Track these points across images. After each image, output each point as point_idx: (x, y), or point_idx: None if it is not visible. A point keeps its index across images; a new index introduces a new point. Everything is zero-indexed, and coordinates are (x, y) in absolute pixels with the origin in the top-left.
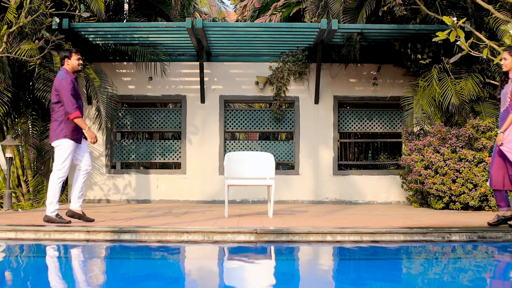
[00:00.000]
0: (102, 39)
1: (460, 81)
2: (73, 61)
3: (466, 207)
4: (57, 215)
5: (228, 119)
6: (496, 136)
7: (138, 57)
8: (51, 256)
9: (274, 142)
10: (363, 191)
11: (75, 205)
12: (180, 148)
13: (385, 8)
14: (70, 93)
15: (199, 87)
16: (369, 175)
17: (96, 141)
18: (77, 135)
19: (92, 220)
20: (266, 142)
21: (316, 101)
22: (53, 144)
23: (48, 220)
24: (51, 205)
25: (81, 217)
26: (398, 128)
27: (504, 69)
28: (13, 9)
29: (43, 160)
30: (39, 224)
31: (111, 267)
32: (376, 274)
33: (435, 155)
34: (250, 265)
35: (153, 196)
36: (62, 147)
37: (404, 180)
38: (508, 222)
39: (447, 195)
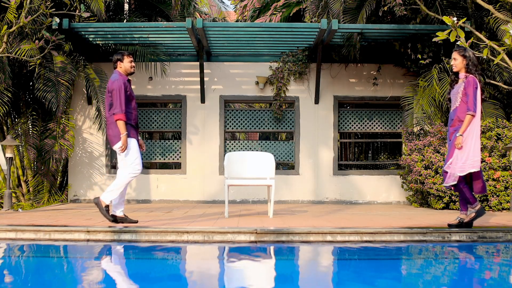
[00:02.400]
0: (102, 39)
1: None
2: (126, 64)
3: None
4: (107, 206)
5: (228, 119)
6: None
7: (138, 57)
8: (51, 256)
9: (274, 142)
10: (363, 191)
11: (105, 197)
12: (180, 148)
13: (385, 8)
14: (121, 95)
15: (199, 87)
16: (369, 175)
17: (125, 150)
18: (137, 134)
19: (135, 222)
20: (266, 142)
21: (316, 101)
22: (116, 146)
23: (97, 203)
24: (110, 193)
25: (102, 207)
26: (398, 128)
27: (455, 69)
28: (13, 9)
29: (43, 160)
30: (39, 224)
31: (111, 267)
32: (376, 274)
33: (435, 155)
34: (250, 265)
35: (153, 196)
36: (129, 147)
37: (404, 180)
38: (450, 223)
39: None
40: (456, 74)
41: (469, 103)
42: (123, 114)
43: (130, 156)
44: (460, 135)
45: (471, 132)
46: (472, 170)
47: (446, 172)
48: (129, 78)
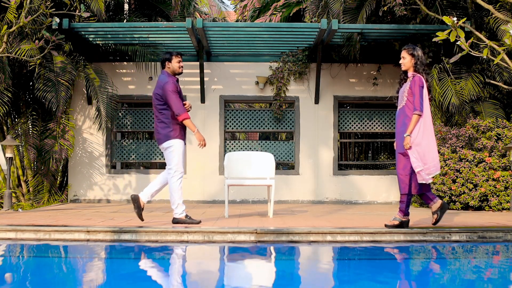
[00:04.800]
0: (102, 39)
1: (460, 81)
2: (174, 64)
3: (466, 207)
4: (186, 215)
5: (228, 119)
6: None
7: (138, 57)
8: (51, 256)
9: (274, 142)
10: (363, 191)
11: (144, 197)
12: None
13: (385, 8)
14: (175, 95)
15: (199, 87)
16: (369, 175)
17: (205, 144)
18: (185, 135)
19: (141, 211)
20: (266, 142)
21: (316, 101)
22: (163, 145)
23: (178, 222)
24: (178, 207)
25: (141, 209)
26: None
27: (403, 68)
28: (13, 9)
29: (43, 160)
30: (39, 224)
31: (111, 267)
32: (376, 274)
33: None
34: (251, 265)
35: None
36: (173, 148)
37: None
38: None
39: (447, 195)
40: (405, 72)
41: (415, 103)
42: (186, 113)
43: (173, 160)
44: (408, 135)
45: (425, 132)
46: (437, 172)
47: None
48: (177, 78)
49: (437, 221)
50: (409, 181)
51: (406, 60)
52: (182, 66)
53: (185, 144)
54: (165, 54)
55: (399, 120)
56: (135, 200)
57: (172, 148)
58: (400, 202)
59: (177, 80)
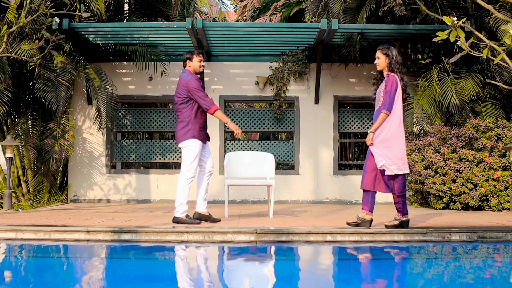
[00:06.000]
0: (102, 39)
1: (460, 81)
2: (195, 63)
3: (466, 207)
4: (187, 216)
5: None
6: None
7: (138, 57)
8: (51, 256)
9: (274, 142)
10: None
11: (201, 207)
12: (180, 148)
13: (385, 8)
14: (201, 91)
15: None
16: None
17: (241, 132)
18: (204, 135)
19: (218, 221)
20: (266, 142)
21: (316, 101)
22: (180, 145)
23: (178, 221)
24: (181, 206)
25: (208, 218)
26: None
27: (378, 68)
28: (13, 9)
29: (43, 160)
30: (39, 224)
31: (111, 267)
32: (376, 274)
33: (435, 155)
34: (251, 265)
35: (153, 196)
36: (190, 148)
37: None
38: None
39: (447, 195)
40: (381, 73)
41: (385, 102)
42: (214, 105)
43: (188, 159)
44: (371, 132)
45: (391, 131)
46: (405, 172)
47: (384, 170)
48: (199, 77)
49: (349, 223)
50: (373, 179)
51: (380, 60)
52: (203, 66)
53: (205, 143)
54: (187, 53)
55: (376, 120)
56: (200, 217)
57: (188, 148)
58: (395, 203)
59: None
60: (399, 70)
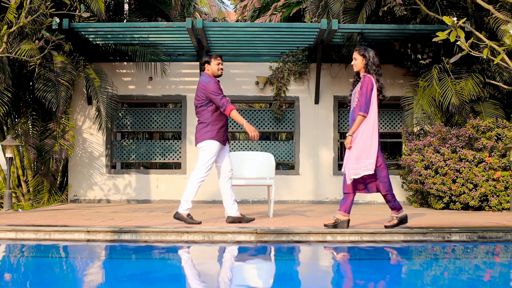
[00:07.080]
0: (102, 39)
1: (460, 81)
2: (213, 66)
3: (466, 207)
4: (188, 214)
5: (228, 119)
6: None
7: (138, 57)
8: (51, 256)
9: (274, 142)
10: None
11: (232, 211)
12: (180, 148)
13: (385, 8)
14: (219, 93)
15: None
16: None
17: (257, 135)
18: (223, 137)
19: (252, 219)
20: (266, 142)
21: (316, 101)
22: (198, 145)
23: (179, 217)
24: (185, 203)
25: (242, 219)
26: (398, 128)
27: (355, 69)
28: (13, 9)
29: (43, 160)
30: (39, 224)
31: (112, 267)
32: (376, 274)
33: (435, 155)
34: (251, 265)
35: (153, 196)
36: (207, 148)
37: (404, 180)
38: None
39: (447, 195)
40: (358, 74)
41: (361, 103)
42: (230, 105)
43: (203, 159)
44: (350, 135)
45: (364, 133)
46: (366, 173)
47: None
48: (218, 80)
49: (327, 224)
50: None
51: (357, 61)
52: (221, 69)
53: (224, 145)
54: (205, 56)
55: (352, 121)
56: (233, 221)
57: (204, 148)
58: (386, 202)
59: (217, 82)
60: (375, 71)
